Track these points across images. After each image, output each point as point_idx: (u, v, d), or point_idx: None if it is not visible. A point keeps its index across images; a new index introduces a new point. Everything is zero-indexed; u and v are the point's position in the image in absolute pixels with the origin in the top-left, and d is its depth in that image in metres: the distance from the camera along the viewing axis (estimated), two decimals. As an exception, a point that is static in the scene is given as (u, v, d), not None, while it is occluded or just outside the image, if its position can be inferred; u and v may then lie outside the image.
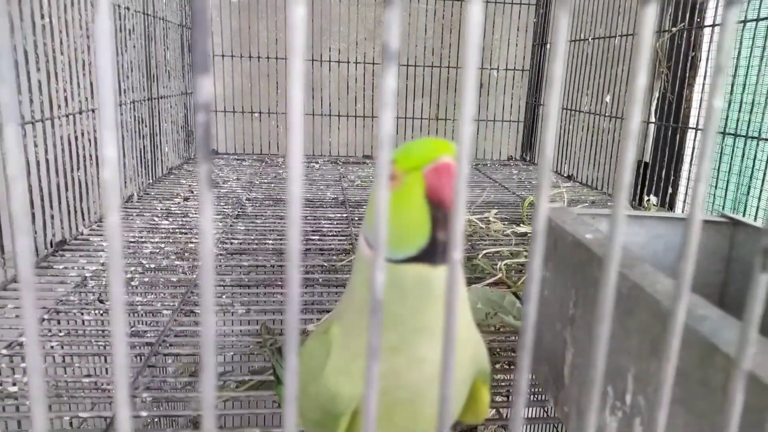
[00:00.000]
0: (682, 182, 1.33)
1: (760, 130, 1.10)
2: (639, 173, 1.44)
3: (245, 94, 1.89)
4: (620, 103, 1.49)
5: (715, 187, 1.24)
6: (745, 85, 1.13)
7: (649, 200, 1.38)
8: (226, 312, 0.76)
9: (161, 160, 1.51)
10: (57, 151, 0.92)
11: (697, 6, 1.26)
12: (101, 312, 0.74)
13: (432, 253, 0.33)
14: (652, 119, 1.42)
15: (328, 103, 1.93)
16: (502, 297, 0.75)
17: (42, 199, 0.88)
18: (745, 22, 1.12)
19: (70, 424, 0.61)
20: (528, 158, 2.04)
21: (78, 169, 0.99)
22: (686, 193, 1.31)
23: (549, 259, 0.54)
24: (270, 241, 1.02)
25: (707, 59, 1.29)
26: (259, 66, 1.87)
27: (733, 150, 1.15)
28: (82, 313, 0.73)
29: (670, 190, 1.34)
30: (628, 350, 0.38)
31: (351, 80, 1.93)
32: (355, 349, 0.37)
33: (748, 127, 1.12)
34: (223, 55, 1.85)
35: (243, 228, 1.09)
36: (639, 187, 1.44)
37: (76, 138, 0.98)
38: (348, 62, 1.91)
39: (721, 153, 1.20)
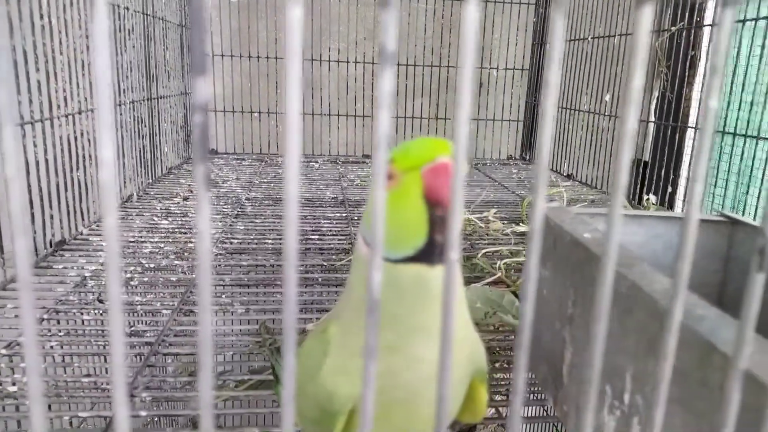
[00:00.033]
0: (682, 181, 1.33)
1: (759, 129, 1.10)
2: (639, 172, 1.44)
3: (245, 94, 1.89)
4: (620, 102, 1.49)
5: (715, 186, 1.24)
6: (744, 84, 1.13)
7: (648, 199, 1.38)
8: (225, 311, 0.76)
9: (161, 159, 1.51)
10: (56, 151, 0.92)
11: (697, 5, 1.26)
12: (101, 312, 0.74)
13: (429, 252, 0.33)
14: (652, 118, 1.42)
15: (327, 102, 1.93)
16: (502, 296, 0.75)
17: (41, 199, 0.88)
18: (744, 21, 1.12)
19: (70, 423, 0.61)
20: (528, 157, 2.04)
21: (77, 169, 0.99)
22: (686, 192, 1.31)
23: (548, 259, 0.54)
24: (269, 241, 1.02)
25: (707, 58, 1.29)
26: (259, 66, 1.87)
27: (732, 149, 1.16)
28: (82, 313, 0.73)
29: (669, 189, 1.34)
30: (626, 349, 0.38)
31: (350, 80, 1.93)
32: (352, 349, 0.37)
33: (747, 126, 1.12)
34: (222, 55, 1.85)
35: (242, 227, 1.09)
36: (638, 186, 1.44)
37: (76, 138, 0.98)
38: (347, 62, 1.91)
39: (720, 152, 1.20)
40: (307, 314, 0.76)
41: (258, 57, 1.86)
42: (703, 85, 1.27)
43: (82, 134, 1.01)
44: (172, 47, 1.60)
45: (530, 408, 0.59)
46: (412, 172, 0.33)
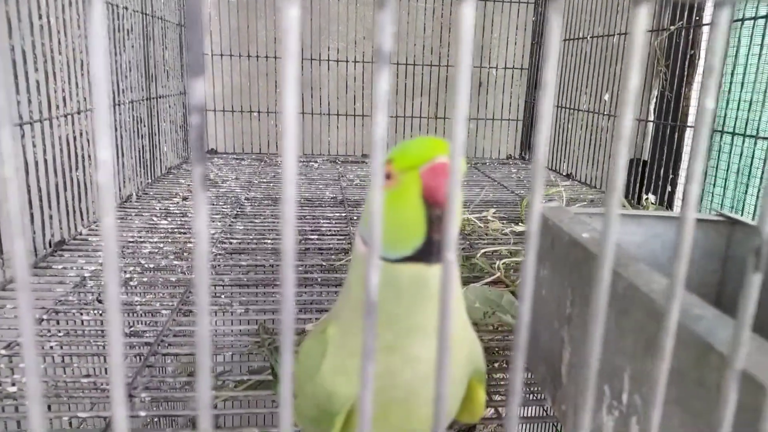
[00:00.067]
0: (681, 180, 1.34)
1: (758, 128, 1.10)
2: (638, 171, 1.44)
3: (244, 93, 1.89)
4: (619, 101, 1.49)
5: (714, 185, 1.24)
6: (743, 83, 1.13)
7: (647, 198, 1.38)
8: (224, 312, 0.76)
9: (160, 159, 1.51)
10: (55, 151, 0.92)
11: (696, 4, 1.26)
12: (100, 312, 0.74)
13: (428, 252, 0.33)
14: (651, 117, 1.42)
15: (326, 102, 1.93)
16: (501, 296, 0.75)
17: (41, 199, 0.88)
18: (743, 20, 1.12)
19: (69, 424, 0.61)
20: (527, 157, 2.04)
21: (76, 169, 0.99)
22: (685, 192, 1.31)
23: (546, 258, 0.54)
24: (269, 241, 1.02)
25: (706, 57, 1.29)
26: (258, 65, 1.87)
27: (731, 148, 1.16)
28: (81, 313, 0.73)
29: (668, 189, 1.34)
30: (625, 350, 0.38)
31: (350, 79, 1.93)
32: (351, 348, 0.37)
33: (746, 126, 1.12)
34: (221, 54, 1.85)
35: (242, 227, 1.09)
36: (638, 185, 1.44)
37: (75, 138, 0.98)
38: (347, 61, 1.91)
39: (719, 151, 1.20)
40: (306, 314, 0.76)
41: (257, 56, 1.86)
42: (702, 84, 1.27)
43: (81, 134, 1.01)
44: (171, 47, 1.60)
45: (529, 408, 0.59)
46: (411, 172, 0.33)
